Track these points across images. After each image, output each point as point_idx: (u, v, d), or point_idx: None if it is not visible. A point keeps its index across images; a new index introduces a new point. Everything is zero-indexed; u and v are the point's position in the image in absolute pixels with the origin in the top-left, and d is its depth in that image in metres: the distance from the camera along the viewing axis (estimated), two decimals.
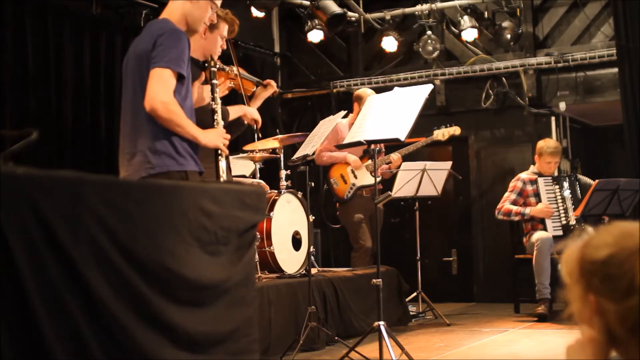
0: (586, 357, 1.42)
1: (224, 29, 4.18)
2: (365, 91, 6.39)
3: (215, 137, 3.53)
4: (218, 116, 3.71)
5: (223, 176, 3.60)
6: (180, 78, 3.34)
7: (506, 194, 6.44)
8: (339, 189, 6.35)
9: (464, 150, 7.94)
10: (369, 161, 6.21)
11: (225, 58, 4.28)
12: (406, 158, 6.37)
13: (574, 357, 1.44)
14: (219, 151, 3.58)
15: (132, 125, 3.43)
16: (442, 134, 6.32)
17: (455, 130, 6.37)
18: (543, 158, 6.35)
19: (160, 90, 3.25)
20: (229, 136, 3.64)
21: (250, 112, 4.41)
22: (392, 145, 6.13)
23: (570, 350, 1.46)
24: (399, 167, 6.28)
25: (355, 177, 6.30)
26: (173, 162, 3.33)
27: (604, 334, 1.39)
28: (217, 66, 3.91)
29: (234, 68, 4.38)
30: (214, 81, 3.78)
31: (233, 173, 4.78)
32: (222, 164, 3.63)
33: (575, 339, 1.45)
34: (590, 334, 1.41)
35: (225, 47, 4.23)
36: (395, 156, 6.24)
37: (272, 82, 4.61)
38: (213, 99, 3.74)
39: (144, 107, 3.29)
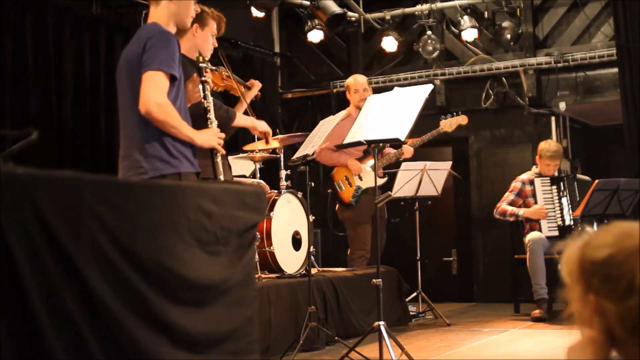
0: (586, 358, 1.42)
1: (214, 26, 4.20)
2: (350, 80, 6.34)
3: (210, 137, 3.54)
4: (211, 115, 3.67)
5: (221, 177, 3.60)
6: (172, 79, 3.35)
7: (506, 194, 6.47)
8: (344, 193, 6.16)
9: (464, 150, 7.94)
10: (372, 160, 6.13)
11: (213, 59, 4.27)
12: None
13: (575, 358, 1.44)
14: (215, 151, 3.58)
15: (125, 129, 3.45)
16: (449, 124, 6.23)
17: (463, 119, 6.28)
18: (542, 160, 6.36)
19: (154, 92, 3.26)
20: (223, 135, 3.64)
21: (261, 126, 4.40)
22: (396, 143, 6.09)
23: (571, 351, 1.46)
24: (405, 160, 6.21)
25: (361, 178, 6.14)
26: (166, 166, 3.34)
27: (604, 334, 1.39)
28: (207, 66, 3.85)
29: (223, 69, 4.38)
30: (204, 78, 3.72)
31: (233, 173, 4.78)
32: (220, 163, 3.62)
33: (575, 339, 1.45)
34: (590, 334, 1.42)
35: (216, 44, 4.25)
36: (407, 148, 6.11)
37: (256, 82, 4.62)
38: (204, 97, 3.69)
39: (136, 110, 3.29)
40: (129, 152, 3.39)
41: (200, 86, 3.72)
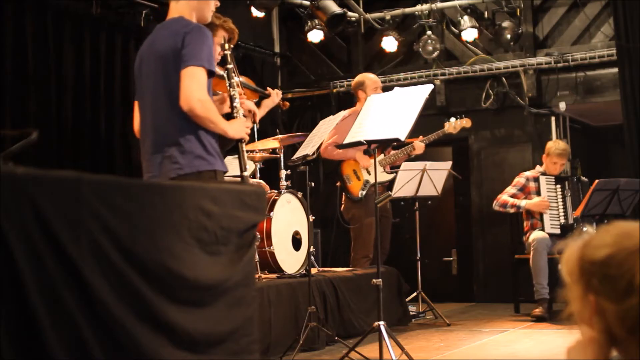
0: (587, 358, 1.42)
1: (222, 37, 4.19)
2: (363, 79, 6.21)
3: (241, 127, 3.56)
4: (236, 103, 3.68)
5: (247, 166, 3.61)
6: (210, 75, 3.37)
7: (507, 188, 6.47)
8: (352, 186, 6.10)
9: (464, 150, 7.94)
10: (381, 156, 6.08)
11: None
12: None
13: (575, 358, 1.44)
14: (242, 140, 3.58)
15: (154, 127, 3.42)
16: (453, 126, 6.24)
17: (467, 122, 6.30)
18: (550, 158, 6.37)
19: (196, 88, 3.26)
20: (250, 124, 3.67)
21: (246, 103, 4.30)
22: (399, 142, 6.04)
23: (571, 351, 1.46)
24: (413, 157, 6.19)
25: (369, 172, 6.07)
26: (203, 162, 3.35)
27: (604, 334, 1.39)
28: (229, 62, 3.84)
29: (235, 77, 4.37)
30: (229, 65, 3.74)
31: (234, 173, 4.77)
32: (245, 152, 3.63)
33: (575, 339, 1.45)
34: (590, 334, 1.42)
35: (222, 53, 4.23)
36: (418, 144, 6.06)
37: (278, 92, 4.56)
38: (230, 85, 3.71)
39: (171, 104, 3.28)
40: (161, 147, 3.36)
41: (225, 74, 3.74)
